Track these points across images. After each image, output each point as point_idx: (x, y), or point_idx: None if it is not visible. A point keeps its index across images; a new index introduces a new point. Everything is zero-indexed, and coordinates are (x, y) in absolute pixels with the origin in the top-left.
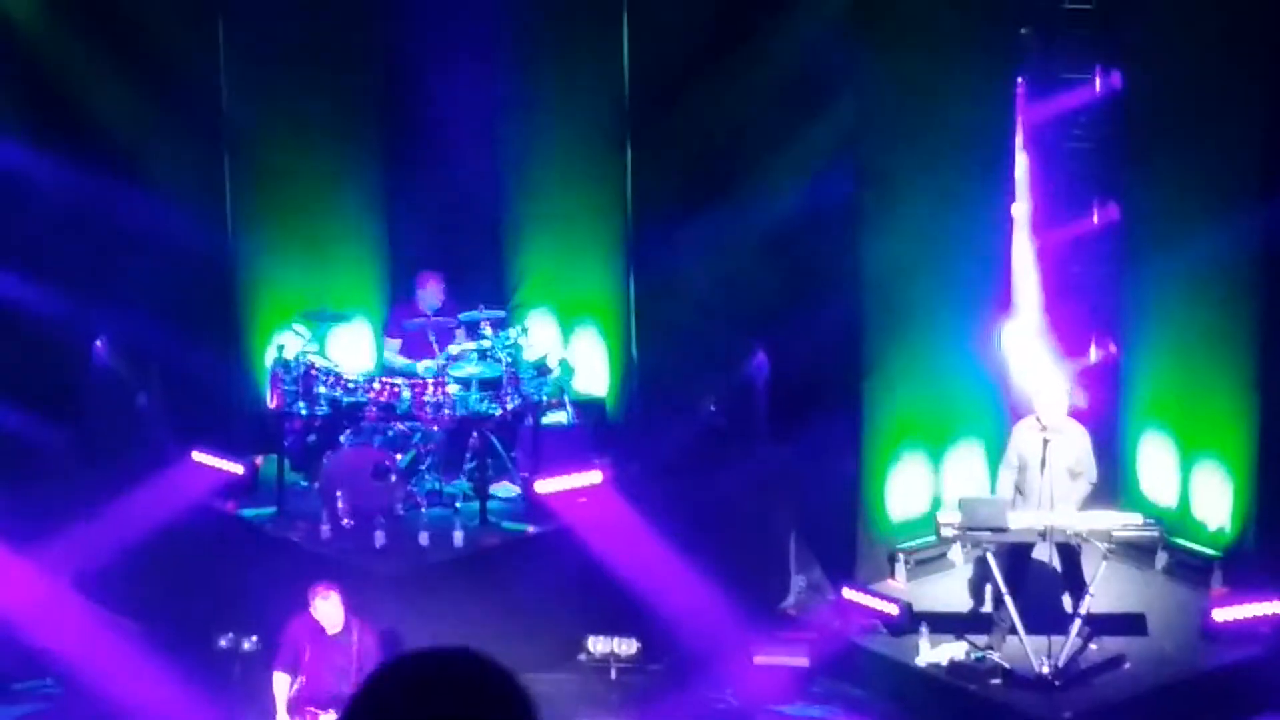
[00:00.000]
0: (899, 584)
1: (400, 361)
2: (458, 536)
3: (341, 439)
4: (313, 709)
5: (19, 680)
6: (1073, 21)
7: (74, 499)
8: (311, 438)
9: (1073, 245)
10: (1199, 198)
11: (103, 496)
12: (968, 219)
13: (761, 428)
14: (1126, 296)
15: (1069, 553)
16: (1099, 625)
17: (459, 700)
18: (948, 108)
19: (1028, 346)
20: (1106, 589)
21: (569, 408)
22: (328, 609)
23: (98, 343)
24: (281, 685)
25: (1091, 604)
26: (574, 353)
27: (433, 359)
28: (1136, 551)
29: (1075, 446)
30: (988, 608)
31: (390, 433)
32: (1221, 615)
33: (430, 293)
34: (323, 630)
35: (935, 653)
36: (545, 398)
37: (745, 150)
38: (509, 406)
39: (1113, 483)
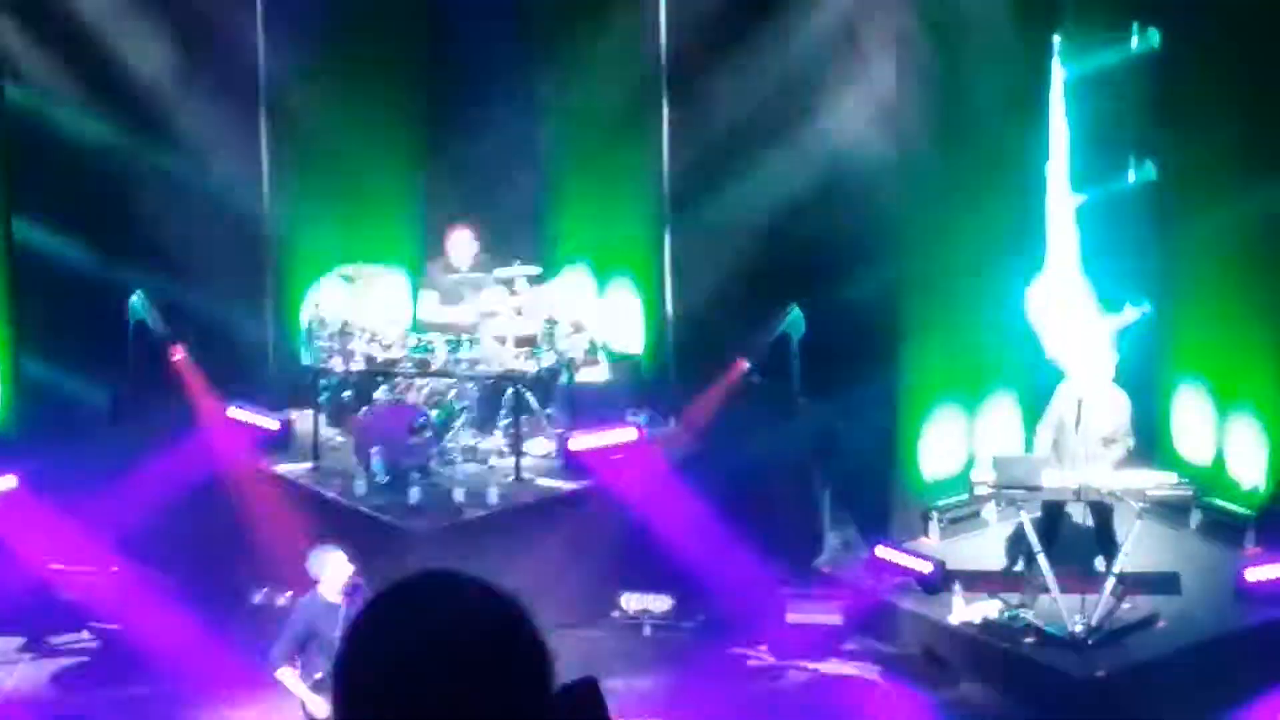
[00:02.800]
0: (932, 542)
1: (436, 316)
2: (492, 493)
3: (377, 395)
4: None
5: (57, 634)
6: None
7: (110, 455)
8: (347, 394)
9: (1109, 203)
10: (1235, 156)
11: (139, 453)
12: (1004, 177)
13: (797, 386)
14: (1163, 256)
15: (1102, 511)
16: (1132, 584)
17: (459, 624)
18: (985, 67)
19: (1063, 306)
20: (1140, 548)
21: (604, 364)
22: (336, 566)
23: (134, 299)
24: (290, 677)
25: (1125, 563)
26: (610, 310)
27: (463, 317)
28: (1170, 511)
29: (1114, 414)
30: (1021, 566)
31: (425, 389)
32: (1254, 575)
33: (461, 244)
34: (330, 603)
35: (968, 611)
36: (581, 354)
37: (783, 109)
38: (544, 363)
39: (1148, 442)
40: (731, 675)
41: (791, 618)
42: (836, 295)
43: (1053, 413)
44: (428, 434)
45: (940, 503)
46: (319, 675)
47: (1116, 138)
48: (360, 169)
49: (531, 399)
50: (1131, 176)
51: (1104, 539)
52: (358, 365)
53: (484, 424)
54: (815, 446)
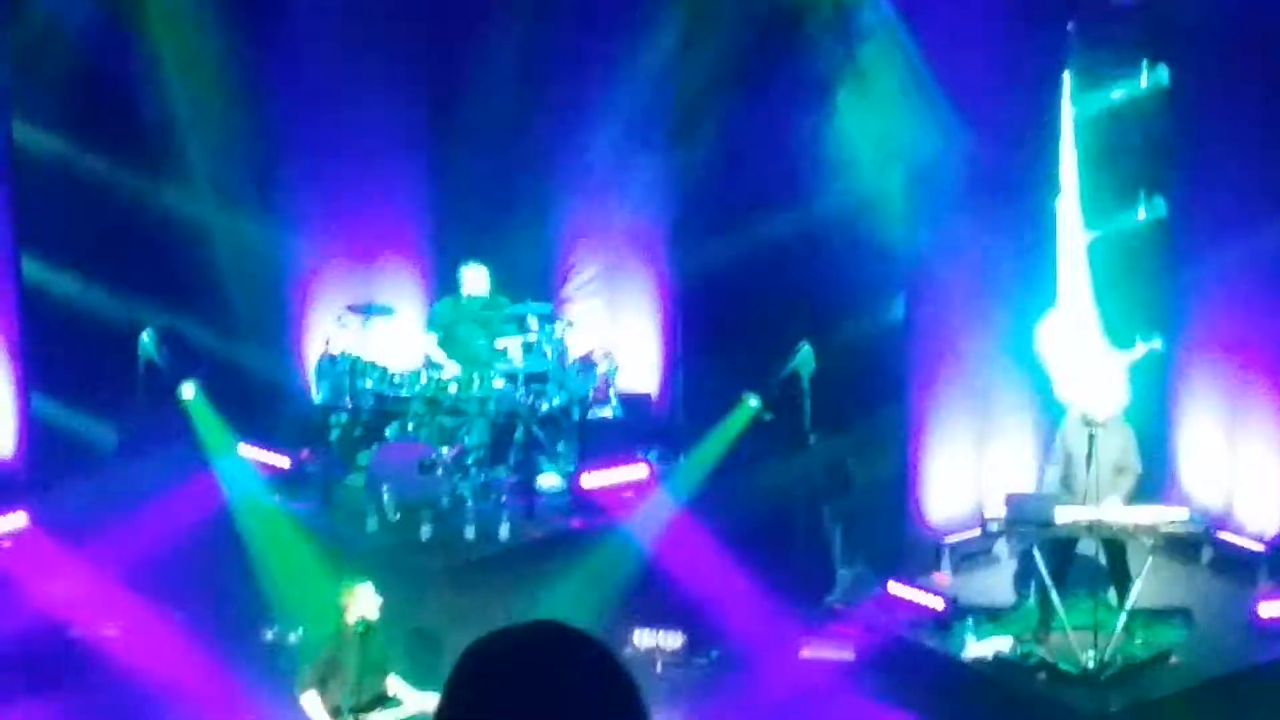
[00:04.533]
0: (945, 578)
1: (442, 355)
2: (503, 530)
3: (387, 433)
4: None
5: (66, 671)
6: (1120, 16)
7: (120, 493)
8: (357, 432)
9: (1120, 240)
10: (1246, 193)
11: (149, 490)
12: (1015, 214)
13: (808, 422)
14: (1173, 292)
15: (1115, 547)
16: (1145, 620)
17: (554, 668)
18: (996, 103)
19: (1074, 342)
20: (1152, 583)
21: (615, 402)
22: (366, 600)
23: (145, 336)
24: (314, 703)
25: (1137, 598)
26: (620, 347)
27: (474, 354)
28: (1182, 546)
29: (1122, 444)
30: (1033, 602)
31: (436, 427)
32: (1267, 611)
33: (473, 282)
34: (356, 633)
35: (981, 647)
36: (591, 392)
37: (791, 144)
38: (555, 401)
39: (1158, 478)
40: (744, 712)
41: (804, 653)
42: (847, 331)
43: (1060, 448)
44: (439, 471)
45: (952, 539)
46: (335, 704)
47: (1127, 174)
48: (371, 206)
49: (542, 436)
50: (1142, 213)
51: (1117, 575)
52: (368, 403)
53: (495, 461)
54: (826, 483)
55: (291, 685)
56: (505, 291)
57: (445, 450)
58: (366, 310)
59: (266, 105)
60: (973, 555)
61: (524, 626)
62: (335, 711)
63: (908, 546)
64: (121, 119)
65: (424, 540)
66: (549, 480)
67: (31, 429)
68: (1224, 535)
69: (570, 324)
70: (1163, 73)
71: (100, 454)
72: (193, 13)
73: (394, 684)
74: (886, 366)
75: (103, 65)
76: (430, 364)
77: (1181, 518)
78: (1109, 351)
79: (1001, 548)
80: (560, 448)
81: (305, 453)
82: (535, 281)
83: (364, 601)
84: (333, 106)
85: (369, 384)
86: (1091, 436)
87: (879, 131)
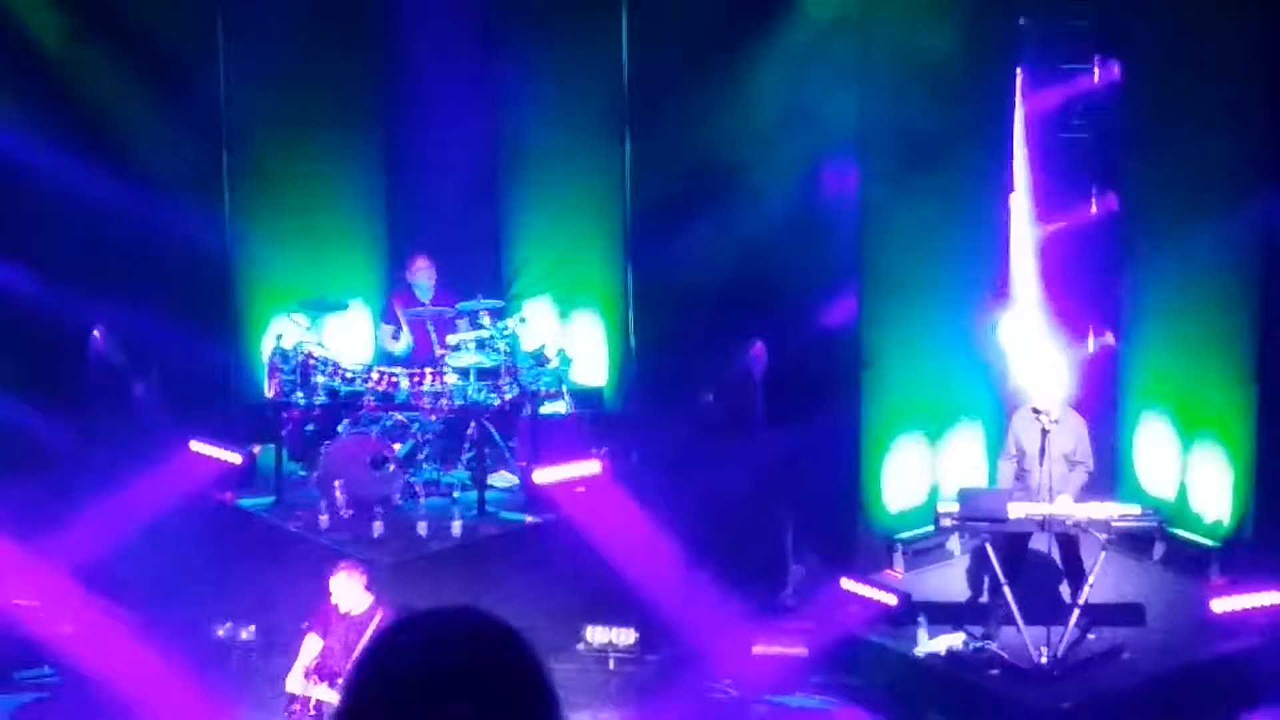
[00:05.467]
0: (897, 574)
1: (394, 349)
2: (456, 526)
3: (340, 429)
4: (317, 679)
5: (19, 669)
6: (1071, 12)
7: (73, 489)
8: (310, 427)
9: (1072, 235)
10: (1198, 188)
11: (101, 487)
12: (967, 210)
13: (759, 418)
14: (1125, 287)
15: (1068, 543)
16: (1097, 615)
17: (463, 653)
18: (947, 99)
19: (1026, 336)
20: (1105, 579)
21: (567, 398)
22: (351, 586)
23: (96, 333)
24: (311, 645)
25: (1090, 594)
26: (572, 342)
27: (426, 350)
28: (1135, 542)
29: (1073, 435)
30: (986, 598)
31: (388, 422)
32: (1219, 606)
33: (420, 275)
34: (339, 610)
35: (934, 643)
36: (543, 388)
37: (745, 141)
38: (507, 396)
39: (1111, 474)
40: (697, 708)
41: (757, 650)
42: (799, 328)
43: (1010, 443)
44: (391, 467)
45: (905, 535)
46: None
47: (1079, 169)
48: (321, 200)
49: (494, 432)
50: (1094, 207)
51: (1071, 570)
52: (320, 399)
53: (447, 457)
54: (778, 479)
55: (243, 682)
56: (457, 287)
57: (397, 446)
58: (319, 305)
59: (216, 96)
60: (925, 551)
61: (427, 613)
62: (308, 671)
63: (860, 542)
64: (68, 111)
65: (376, 536)
66: (501, 476)
67: None
68: (1176, 531)
69: (523, 319)
70: (1114, 68)
71: (51, 451)
72: (146, 7)
73: None
74: (839, 362)
75: (50, 57)
76: (383, 359)
77: (1134, 513)
78: (1061, 346)
79: (954, 544)
80: (513, 443)
81: (257, 448)
82: (487, 277)
83: (350, 588)
84: (285, 98)
85: (321, 379)
86: (1044, 431)
87: (833, 124)
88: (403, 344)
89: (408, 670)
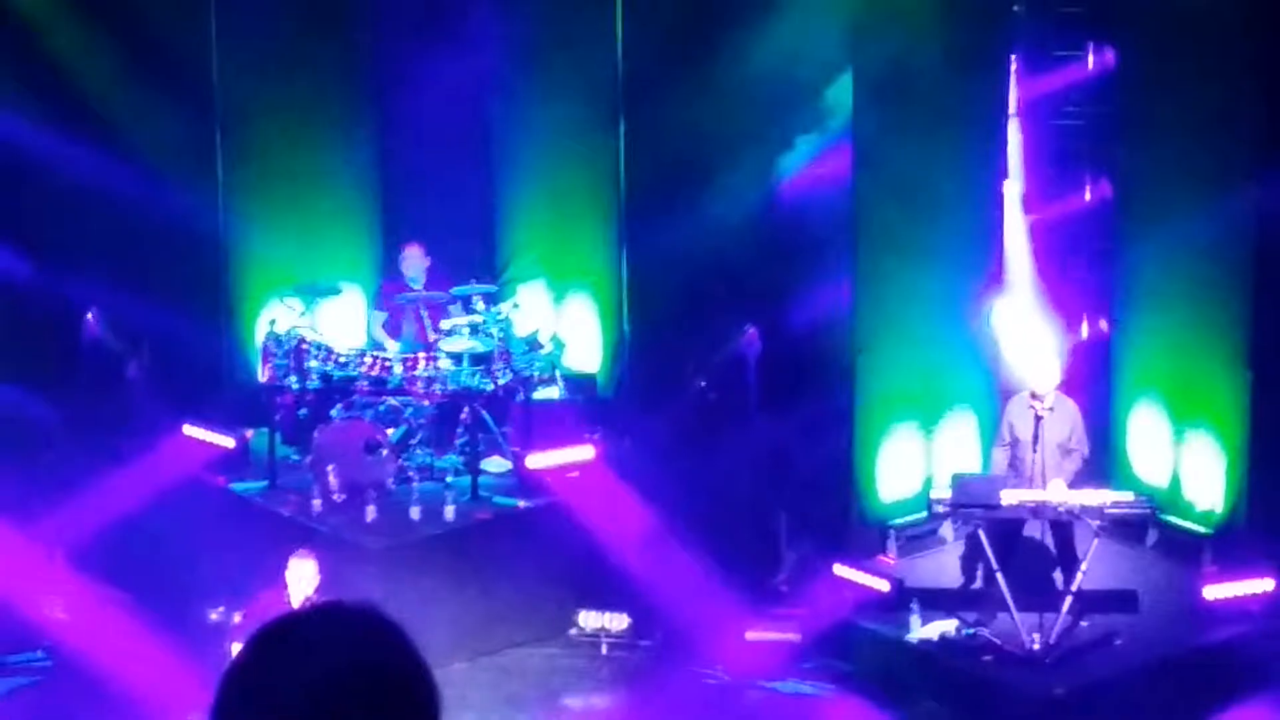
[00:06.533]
0: (890, 560)
1: (384, 336)
2: (449, 511)
3: (333, 413)
4: None
5: (10, 653)
6: None
7: (65, 472)
8: (303, 412)
9: (1065, 222)
10: (1192, 174)
11: (94, 470)
12: (961, 195)
13: (753, 404)
14: (1119, 273)
15: (1061, 529)
16: (1090, 602)
17: (340, 667)
18: (941, 85)
19: (1020, 323)
20: (1098, 566)
21: (560, 383)
22: (304, 572)
23: (89, 316)
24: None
25: (1083, 581)
26: (566, 328)
27: (418, 336)
28: (1128, 529)
29: (1068, 421)
30: (979, 584)
31: (382, 407)
32: (1212, 593)
33: (411, 261)
34: (290, 602)
35: (926, 629)
36: (537, 373)
37: (739, 127)
38: (500, 381)
39: (1104, 461)
40: (690, 694)
41: (749, 636)
42: (793, 314)
43: (1004, 430)
44: (384, 452)
45: (898, 521)
46: None
47: (1073, 156)
48: (315, 185)
49: (488, 417)
50: (1088, 194)
51: (1064, 556)
52: (313, 383)
53: (440, 442)
54: (772, 465)
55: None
56: (451, 272)
57: (390, 431)
58: (312, 290)
59: (210, 80)
60: (919, 537)
61: (299, 615)
62: None
63: (853, 529)
64: (60, 94)
65: (368, 521)
66: (494, 461)
67: None
68: (1169, 518)
69: (516, 305)
70: (1108, 54)
71: (44, 434)
72: None
73: None
74: (832, 348)
75: (41, 39)
76: (376, 344)
77: (1127, 500)
78: (1054, 333)
79: (947, 530)
80: (506, 428)
81: (250, 433)
82: (481, 261)
83: (304, 573)
84: (280, 82)
85: (314, 364)
86: (1038, 418)
87: (828, 109)
88: (400, 340)
89: (274, 690)
